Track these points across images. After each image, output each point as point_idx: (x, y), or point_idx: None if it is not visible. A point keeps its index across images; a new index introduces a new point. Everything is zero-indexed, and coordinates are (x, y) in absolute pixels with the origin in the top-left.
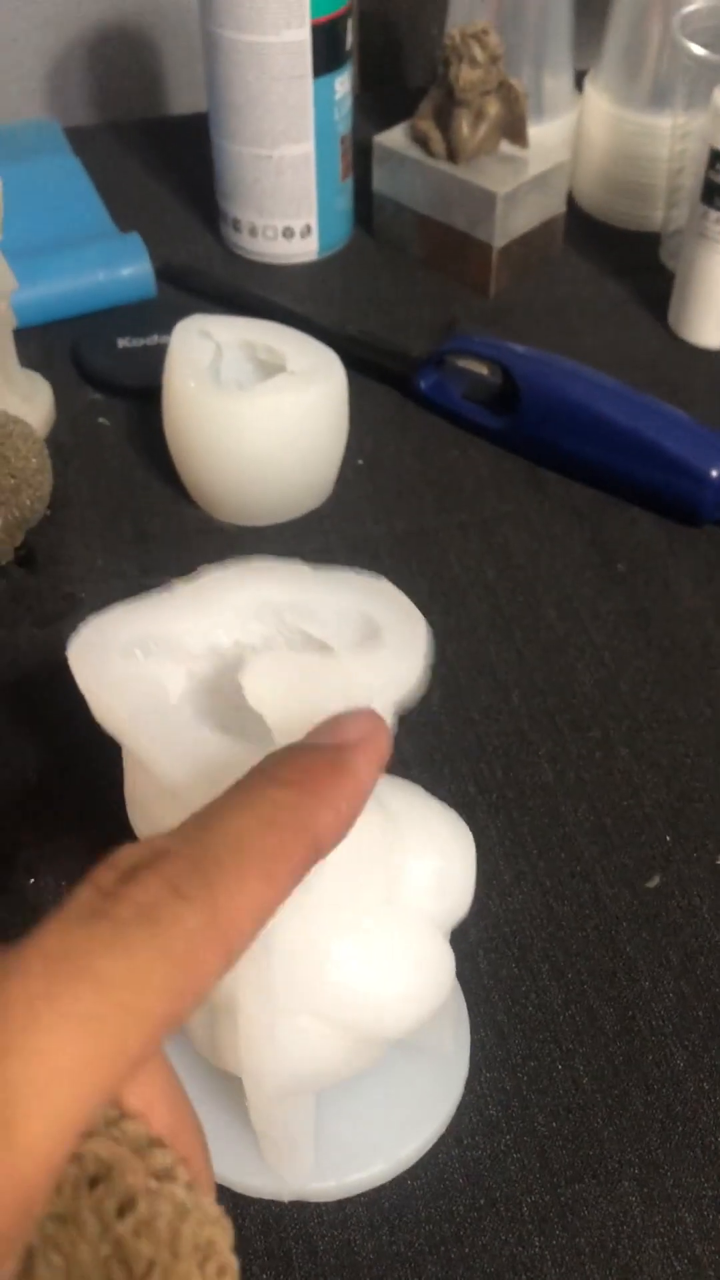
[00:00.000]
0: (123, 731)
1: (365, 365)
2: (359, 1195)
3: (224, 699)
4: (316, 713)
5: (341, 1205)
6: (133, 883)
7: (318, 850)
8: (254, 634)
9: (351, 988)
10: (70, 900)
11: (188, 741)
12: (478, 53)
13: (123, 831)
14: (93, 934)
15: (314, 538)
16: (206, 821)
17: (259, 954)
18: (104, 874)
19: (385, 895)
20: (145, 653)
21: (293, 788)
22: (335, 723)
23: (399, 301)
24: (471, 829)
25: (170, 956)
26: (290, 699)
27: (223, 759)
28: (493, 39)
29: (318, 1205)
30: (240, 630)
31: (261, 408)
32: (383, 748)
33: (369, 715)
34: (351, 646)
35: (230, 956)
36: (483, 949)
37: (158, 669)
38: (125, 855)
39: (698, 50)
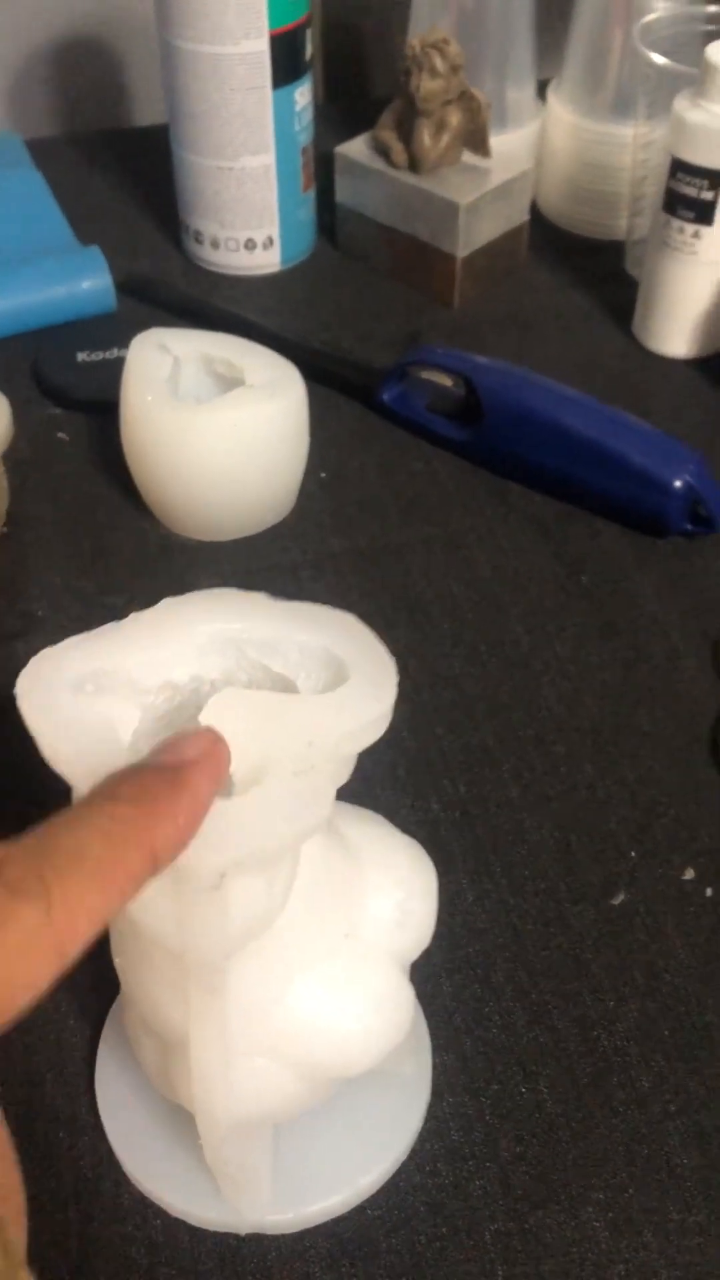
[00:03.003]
0: (70, 774)
1: (328, 377)
2: (318, 1226)
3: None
4: (276, 757)
5: (300, 1237)
6: None
7: (155, 861)
8: (214, 668)
9: (308, 1027)
10: None
11: None
12: (438, 63)
13: None
14: None
15: (276, 552)
16: (47, 831)
17: (212, 991)
18: None
19: (344, 931)
20: (97, 688)
21: (130, 803)
22: (175, 742)
23: (363, 313)
24: (435, 847)
25: (4, 951)
26: (251, 738)
27: None
28: (453, 49)
29: (276, 1237)
30: (199, 664)
31: (220, 422)
32: (221, 765)
33: (208, 734)
34: (316, 686)
35: (64, 956)
36: (445, 970)
37: (108, 707)
38: None
39: (658, 59)
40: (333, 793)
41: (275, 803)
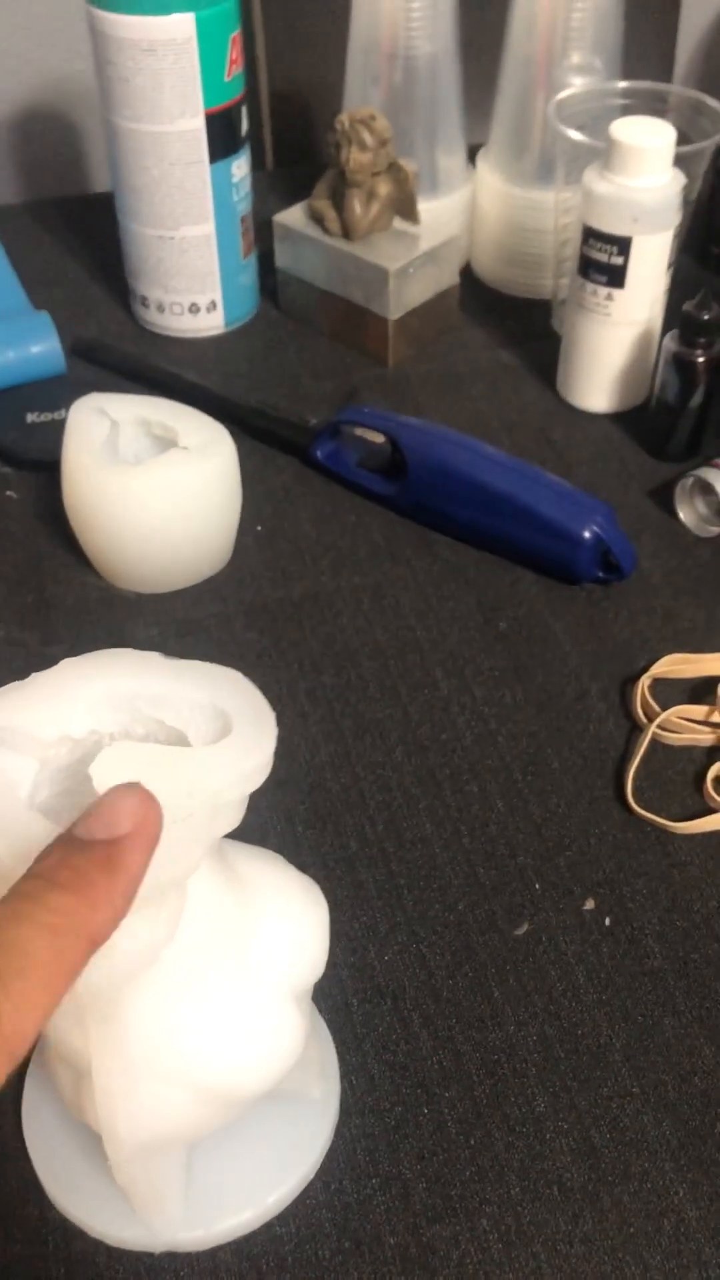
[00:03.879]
0: None
1: (266, 435)
2: (229, 1243)
3: (85, 782)
4: (164, 805)
5: (213, 1254)
6: None
7: (94, 945)
8: (111, 722)
9: (202, 1054)
10: None
11: (24, 832)
12: (366, 137)
13: None
14: None
15: (213, 603)
16: None
17: (108, 1020)
18: None
19: (237, 962)
20: (0, 742)
21: (69, 892)
22: (109, 808)
23: (303, 372)
24: (351, 883)
25: None
26: None
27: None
28: (380, 123)
29: (189, 1255)
30: (96, 719)
31: (154, 482)
32: (154, 831)
33: (141, 799)
34: (206, 737)
35: (14, 1059)
36: (357, 998)
37: (9, 761)
38: None
39: (572, 134)
40: (211, 838)
41: None
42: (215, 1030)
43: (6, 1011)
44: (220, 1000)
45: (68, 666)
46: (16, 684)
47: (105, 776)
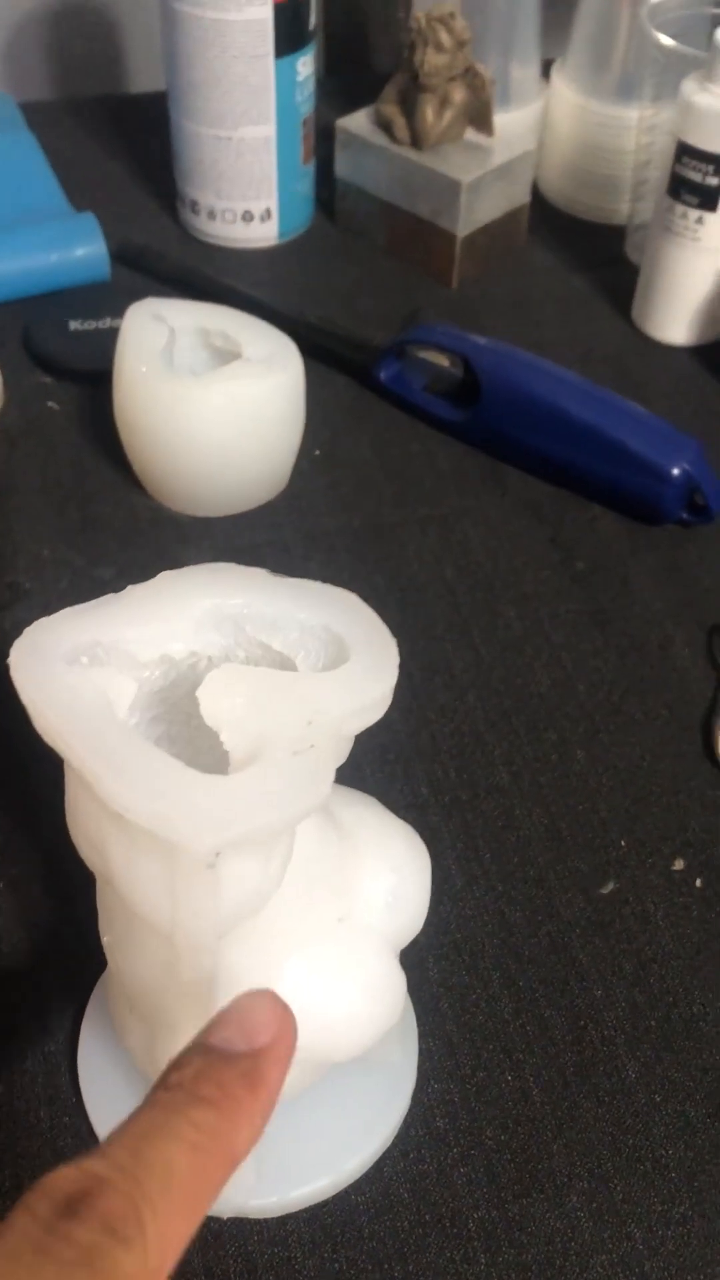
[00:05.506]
0: (64, 746)
1: (324, 354)
2: (300, 1211)
3: (176, 709)
4: (274, 735)
5: (283, 1221)
6: (73, 1219)
7: (235, 1164)
8: (212, 645)
9: (299, 1012)
10: (8, 1230)
11: (133, 760)
12: (444, 37)
13: (65, 841)
14: (37, 1273)
15: (268, 530)
16: (136, 1148)
17: (202, 973)
18: (40, 1203)
19: (338, 914)
20: (92, 660)
21: (213, 1108)
22: (245, 1017)
23: (360, 290)
24: (423, 831)
25: None
26: (249, 718)
27: (171, 777)
28: (459, 24)
29: (258, 1221)
30: (196, 640)
31: (215, 395)
32: (291, 1043)
33: (276, 1009)
34: (316, 664)
35: None
36: (432, 955)
37: (104, 680)
38: (59, 1183)
39: (666, 41)
40: (332, 773)
41: (274, 782)
42: (314, 987)
43: (153, 1246)
44: (320, 954)
45: (168, 581)
46: (112, 596)
47: (215, 701)
